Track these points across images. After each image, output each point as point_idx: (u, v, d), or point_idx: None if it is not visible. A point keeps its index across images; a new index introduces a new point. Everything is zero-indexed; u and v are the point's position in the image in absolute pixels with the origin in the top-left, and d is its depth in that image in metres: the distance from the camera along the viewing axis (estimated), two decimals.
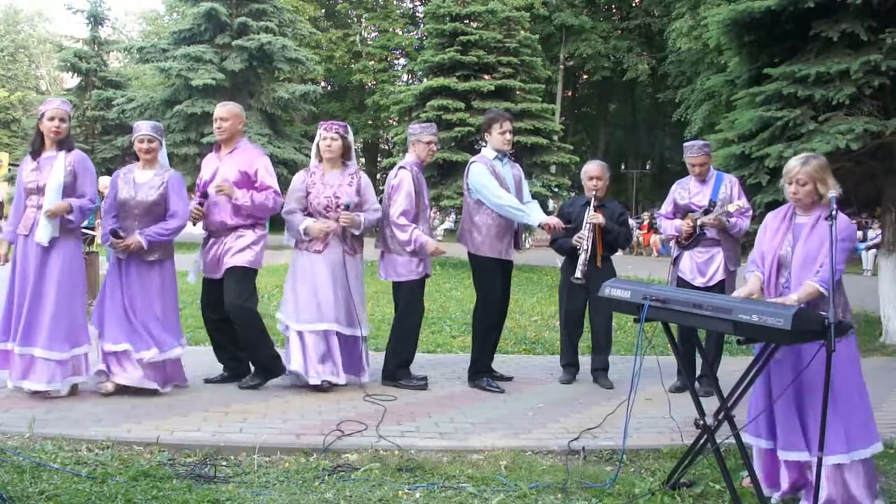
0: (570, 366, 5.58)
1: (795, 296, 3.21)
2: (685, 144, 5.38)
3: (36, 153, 4.60)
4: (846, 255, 3.32)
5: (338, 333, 4.91)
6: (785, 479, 3.39)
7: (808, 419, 3.26)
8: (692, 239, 5.21)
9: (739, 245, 5.41)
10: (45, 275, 4.47)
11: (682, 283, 5.21)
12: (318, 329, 4.86)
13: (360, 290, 5.09)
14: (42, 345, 4.43)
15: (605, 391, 5.25)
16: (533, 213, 5.17)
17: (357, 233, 4.98)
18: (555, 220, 5.28)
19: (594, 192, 5.35)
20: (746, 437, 3.42)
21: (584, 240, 5.23)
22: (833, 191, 3.23)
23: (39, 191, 4.49)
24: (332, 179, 4.97)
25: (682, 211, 5.33)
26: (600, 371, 5.49)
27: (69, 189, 4.49)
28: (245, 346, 4.95)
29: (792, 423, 3.30)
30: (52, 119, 4.52)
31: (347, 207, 4.90)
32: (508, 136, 5.26)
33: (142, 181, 4.71)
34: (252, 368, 5.02)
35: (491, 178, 5.14)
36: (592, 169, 5.44)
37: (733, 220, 5.03)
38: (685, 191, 5.33)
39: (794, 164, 3.41)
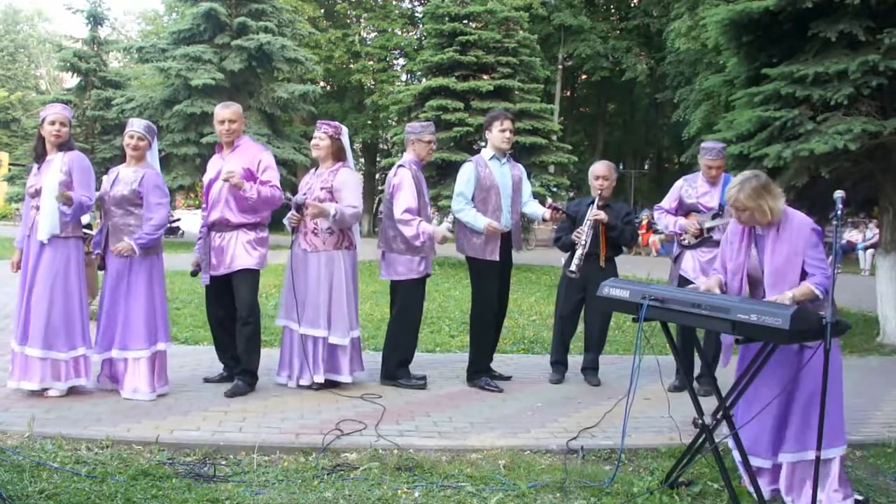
0: (559, 364, 5.59)
1: (791, 293, 3.20)
2: (703, 146, 5.29)
3: (39, 157, 4.62)
4: (823, 256, 3.30)
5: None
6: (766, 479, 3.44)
7: (787, 421, 3.30)
8: (699, 240, 5.22)
9: None
10: (40, 274, 4.47)
11: (684, 281, 5.20)
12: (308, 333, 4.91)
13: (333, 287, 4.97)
14: (38, 344, 4.43)
15: (604, 390, 5.26)
16: (479, 219, 5.10)
17: (326, 224, 4.90)
18: (496, 223, 5.12)
19: (599, 192, 5.37)
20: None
21: (582, 234, 5.24)
22: (838, 191, 3.21)
23: (39, 193, 4.51)
24: (316, 178, 5.03)
25: (686, 209, 5.32)
26: (589, 370, 5.52)
27: (66, 188, 4.48)
28: (242, 351, 4.89)
29: (765, 427, 3.34)
30: (52, 123, 4.54)
31: (298, 208, 4.92)
32: (508, 134, 5.28)
33: (122, 177, 4.72)
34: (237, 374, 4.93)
35: (468, 185, 5.18)
36: (599, 168, 5.47)
37: None
38: (693, 189, 5.31)
39: (731, 191, 3.35)
